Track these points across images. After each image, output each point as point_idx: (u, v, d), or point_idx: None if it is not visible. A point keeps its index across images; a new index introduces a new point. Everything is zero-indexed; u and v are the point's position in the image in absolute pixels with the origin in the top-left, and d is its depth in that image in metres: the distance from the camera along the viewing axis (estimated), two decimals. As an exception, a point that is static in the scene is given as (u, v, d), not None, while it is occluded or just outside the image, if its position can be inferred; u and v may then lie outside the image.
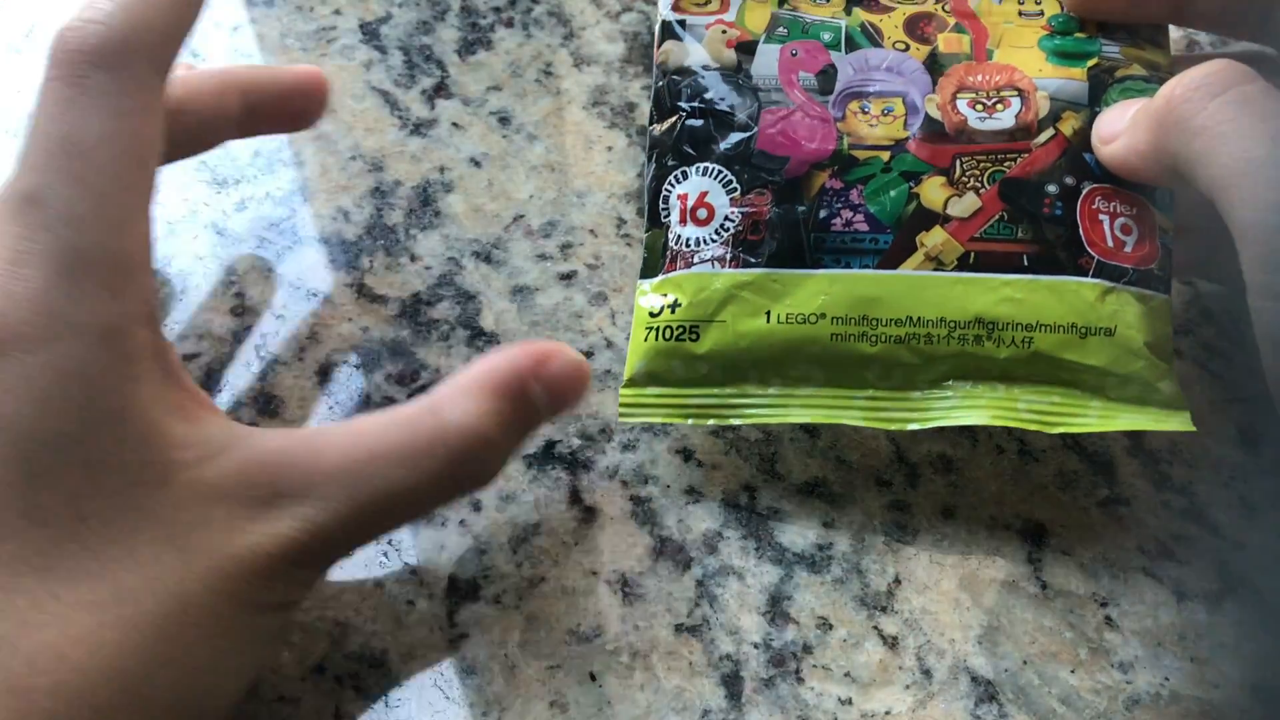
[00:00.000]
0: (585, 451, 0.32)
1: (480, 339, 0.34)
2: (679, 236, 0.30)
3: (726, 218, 0.30)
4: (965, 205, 0.29)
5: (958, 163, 0.30)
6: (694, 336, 0.29)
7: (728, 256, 0.30)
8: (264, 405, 0.33)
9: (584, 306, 0.34)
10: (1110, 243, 0.29)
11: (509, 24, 0.41)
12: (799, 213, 0.30)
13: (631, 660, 0.28)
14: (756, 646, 0.29)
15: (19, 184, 0.23)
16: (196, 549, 0.22)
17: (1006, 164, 0.30)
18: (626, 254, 0.35)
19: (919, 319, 0.29)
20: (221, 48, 0.41)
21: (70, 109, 0.23)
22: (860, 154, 0.30)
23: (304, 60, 0.40)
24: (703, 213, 0.30)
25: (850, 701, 0.28)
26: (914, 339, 0.29)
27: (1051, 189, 0.29)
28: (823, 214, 0.29)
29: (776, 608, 0.29)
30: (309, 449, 0.23)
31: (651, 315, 0.30)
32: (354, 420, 0.25)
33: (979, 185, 0.29)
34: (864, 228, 0.29)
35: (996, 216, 0.29)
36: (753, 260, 0.29)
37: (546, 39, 0.40)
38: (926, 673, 0.29)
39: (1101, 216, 0.29)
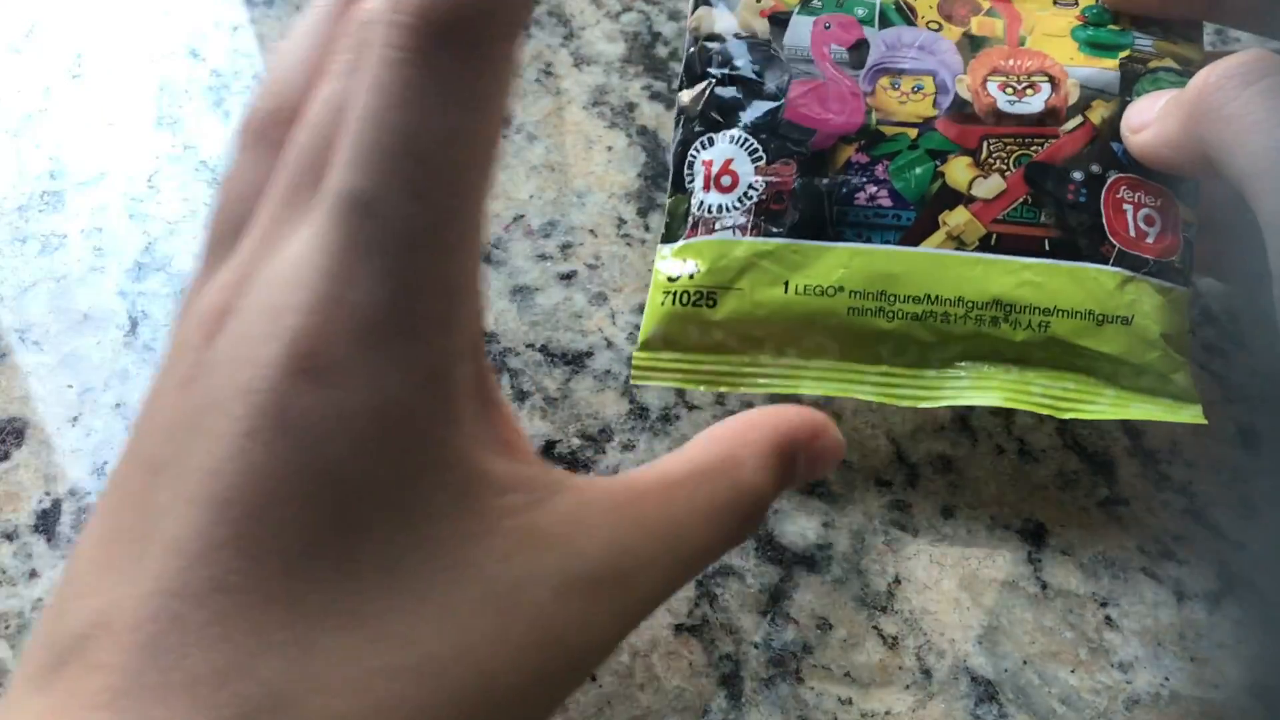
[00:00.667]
0: (585, 451, 0.32)
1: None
2: (702, 203, 0.30)
3: (750, 186, 0.30)
4: (990, 186, 0.29)
5: (985, 144, 0.30)
6: (711, 303, 0.29)
7: (749, 225, 0.29)
8: (264, 405, 0.33)
9: (584, 306, 0.34)
10: (1133, 232, 0.29)
11: (509, 24, 0.41)
12: (823, 185, 0.30)
13: (631, 660, 0.28)
14: (756, 646, 0.29)
15: (348, 181, 0.18)
16: (517, 617, 0.19)
17: (1034, 148, 0.30)
18: (626, 254, 0.35)
19: (937, 297, 0.29)
20: (221, 48, 0.41)
21: (416, 97, 0.18)
22: (888, 129, 0.30)
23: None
24: (727, 180, 0.30)
25: (850, 702, 0.28)
26: (931, 317, 0.29)
27: (1077, 175, 0.29)
28: (847, 188, 0.29)
29: (776, 607, 0.29)
30: (634, 504, 0.21)
31: (670, 280, 0.30)
32: (659, 469, 0.22)
33: (1005, 168, 0.29)
34: (887, 203, 0.29)
35: (1020, 200, 0.29)
36: (774, 230, 0.29)
37: (546, 39, 0.40)
38: (926, 673, 0.29)
39: (1125, 206, 0.29)
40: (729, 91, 0.31)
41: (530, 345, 0.34)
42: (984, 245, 0.29)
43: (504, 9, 0.19)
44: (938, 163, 0.30)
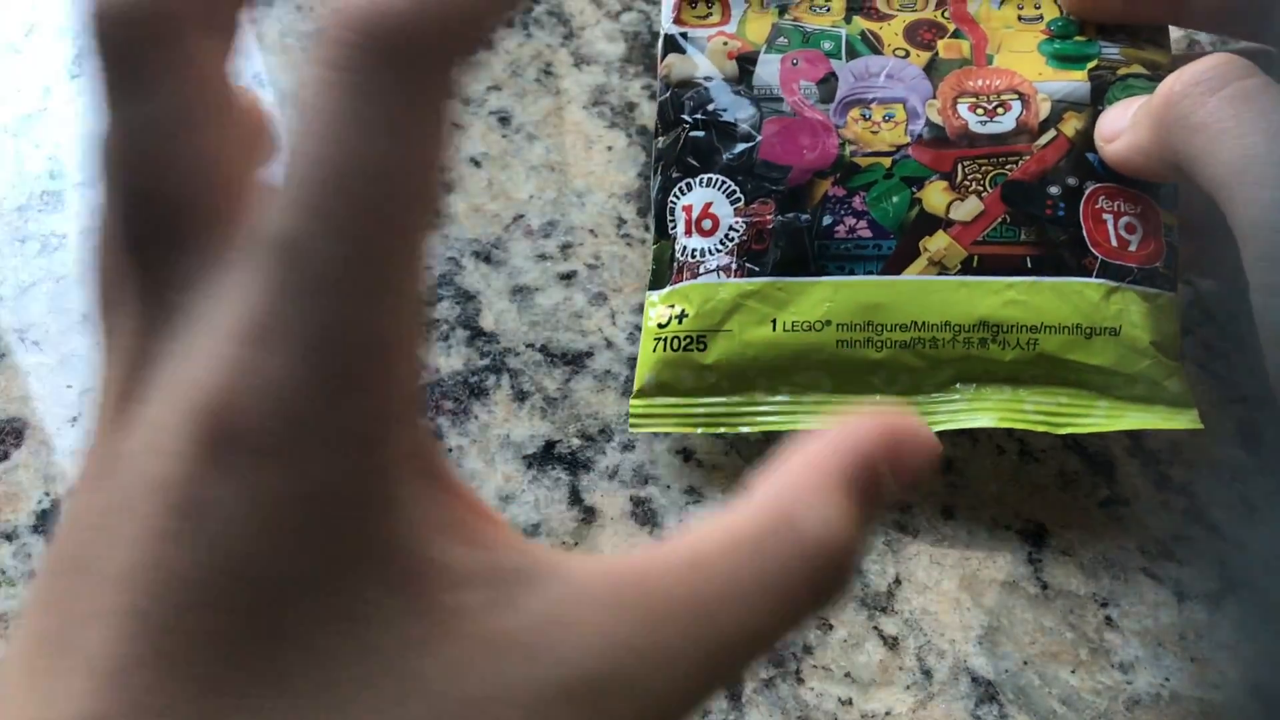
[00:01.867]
0: (585, 451, 0.32)
1: (480, 339, 0.34)
2: (685, 248, 0.30)
3: (731, 228, 0.30)
4: (967, 209, 0.29)
5: (959, 167, 0.30)
6: (701, 347, 0.30)
7: (733, 266, 0.30)
8: (264, 405, 0.33)
9: (584, 306, 0.34)
10: (1114, 242, 0.29)
11: (509, 24, 0.41)
12: (802, 221, 0.30)
13: (632, 660, 0.28)
14: (757, 647, 0.29)
15: (273, 219, 0.16)
16: None
17: (1008, 167, 0.30)
18: (626, 254, 0.35)
19: (923, 323, 0.29)
20: (221, 47, 0.41)
21: (349, 125, 0.16)
22: (862, 161, 0.30)
23: (303, 59, 0.40)
24: (707, 223, 0.30)
25: (850, 702, 0.28)
26: (919, 343, 0.29)
27: (1054, 190, 0.29)
28: (826, 221, 0.30)
29: (777, 608, 0.29)
30: (646, 586, 0.17)
31: (660, 327, 0.30)
32: (688, 544, 0.18)
33: (981, 189, 0.30)
34: (867, 234, 0.29)
35: (999, 219, 0.29)
36: (757, 269, 0.30)
37: (546, 39, 0.40)
38: (927, 673, 0.29)
39: (1105, 216, 0.29)
40: (703, 135, 0.31)
41: (530, 345, 0.34)
42: (966, 268, 0.29)
43: (458, 27, 0.16)
44: (914, 189, 0.30)
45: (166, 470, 0.15)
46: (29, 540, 0.31)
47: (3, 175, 0.38)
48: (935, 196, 0.30)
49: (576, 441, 0.32)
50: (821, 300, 0.29)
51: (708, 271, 0.30)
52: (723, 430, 0.30)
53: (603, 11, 0.41)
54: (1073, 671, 0.29)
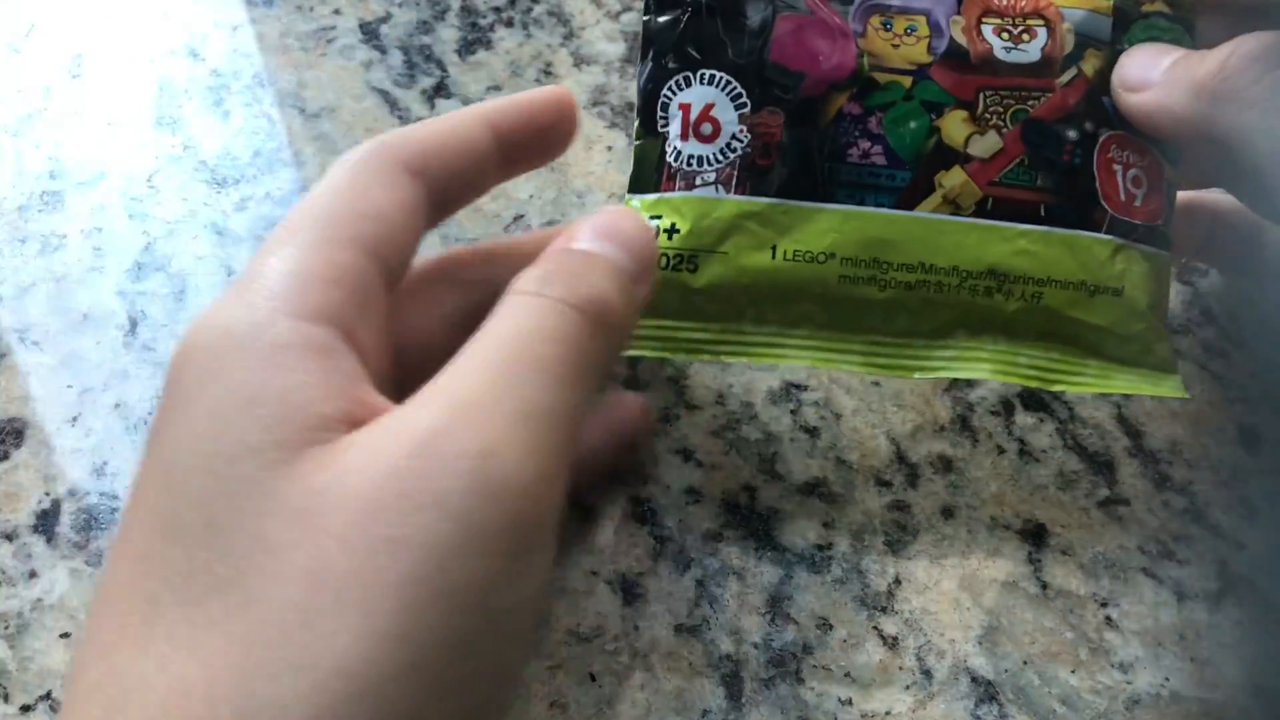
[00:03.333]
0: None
1: (480, 339, 0.34)
2: (679, 152, 0.28)
3: (734, 136, 0.27)
4: (987, 145, 0.28)
5: (981, 97, 0.28)
6: (692, 267, 0.27)
7: (734, 182, 0.27)
8: (264, 405, 0.33)
9: (584, 306, 0.34)
10: (1123, 195, 0.28)
11: (509, 24, 0.41)
12: (814, 139, 0.27)
13: (631, 660, 0.28)
14: (756, 647, 0.29)
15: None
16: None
17: (1030, 102, 0.28)
18: (626, 254, 0.35)
19: (932, 266, 0.27)
20: (221, 48, 0.41)
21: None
22: (881, 77, 0.28)
23: (303, 59, 0.40)
24: (707, 128, 0.28)
25: (850, 702, 0.28)
26: (925, 286, 0.27)
27: (1072, 135, 0.28)
28: (839, 142, 0.27)
29: (776, 608, 0.29)
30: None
31: None
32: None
33: (1001, 124, 0.28)
34: (882, 161, 0.27)
35: (1017, 160, 0.28)
36: (761, 188, 0.27)
37: (546, 39, 0.40)
38: (927, 673, 0.29)
39: (1115, 167, 0.28)
40: (707, 22, 0.28)
41: (530, 345, 0.34)
42: (980, 210, 0.27)
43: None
44: (933, 116, 0.28)
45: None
46: (29, 540, 0.31)
47: (3, 175, 0.38)
48: (955, 127, 0.28)
49: (576, 441, 0.32)
50: (828, 230, 0.27)
51: (705, 184, 0.27)
52: (705, 358, 0.28)
53: (603, 11, 0.41)
54: (1073, 671, 0.29)
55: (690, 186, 0.27)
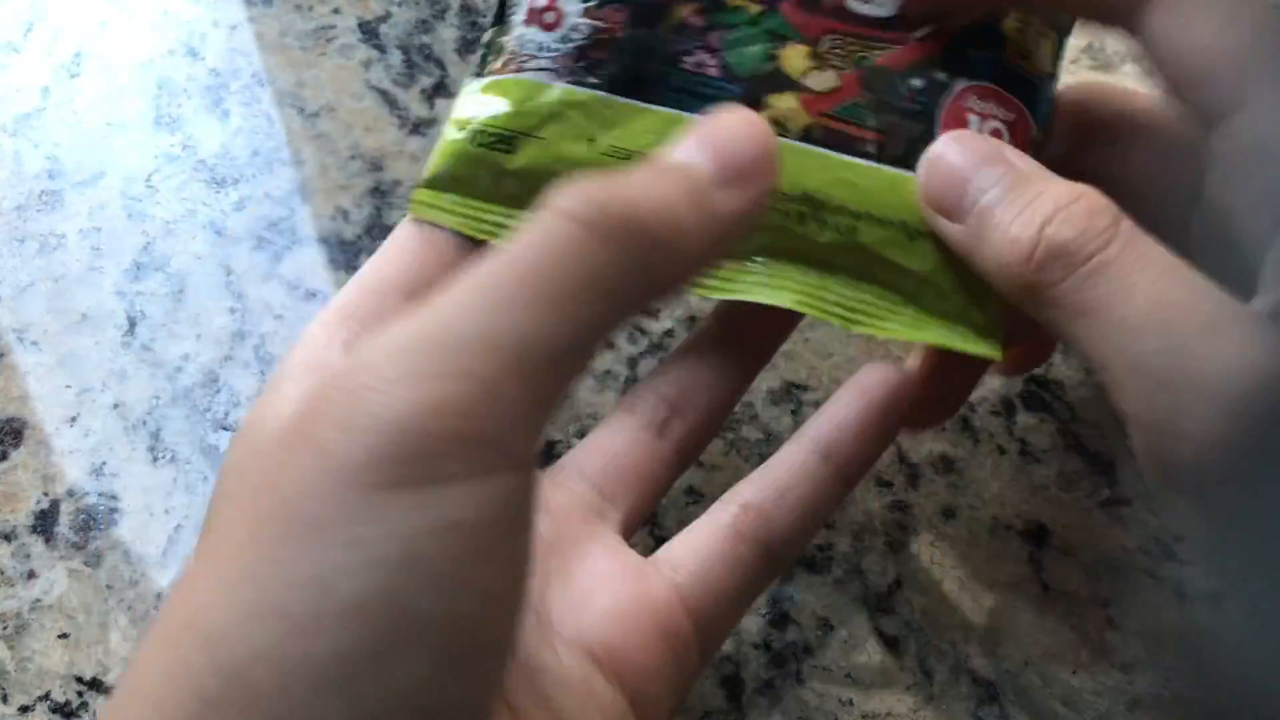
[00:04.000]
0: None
1: (480, 339, 0.34)
2: (521, 37, 0.27)
3: (574, 27, 0.27)
4: (823, 80, 0.27)
5: (826, 39, 0.27)
6: (508, 148, 0.27)
7: (567, 69, 0.27)
8: (263, 405, 0.33)
9: (584, 306, 0.34)
10: None
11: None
12: (651, 40, 0.27)
13: (632, 661, 0.28)
14: (757, 648, 0.29)
15: None
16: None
17: (876, 52, 0.27)
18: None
19: None
20: (220, 47, 0.40)
21: None
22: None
23: (302, 58, 0.40)
24: (551, 16, 0.27)
25: (851, 703, 0.28)
26: None
27: (917, 83, 0.27)
28: (676, 49, 0.27)
29: (777, 609, 0.29)
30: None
31: (469, 118, 0.27)
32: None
33: (842, 66, 0.27)
34: (715, 73, 0.27)
35: (852, 100, 0.27)
36: (591, 79, 0.27)
37: (546, 38, 0.40)
38: (928, 674, 0.29)
39: (970, 116, 0.26)
40: None
41: (530, 345, 0.34)
42: (806, 136, 0.26)
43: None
44: (774, 45, 0.27)
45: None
46: (27, 540, 0.30)
47: (1, 174, 0.38)
48: (795, 60, 0.27)
49: (577, 441, 0.32)
50: (648, 130, 0.26)
51: (538, 69, 0.27)
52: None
53: (603, 11, 0.41)
54: (1074, 672, 0.29)
55: (521, 70, 0.27)
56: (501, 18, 0.28)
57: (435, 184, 0.27)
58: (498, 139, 0.27)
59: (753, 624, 0.29)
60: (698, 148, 0.21)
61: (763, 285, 0.27)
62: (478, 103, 0.27)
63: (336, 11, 0.41)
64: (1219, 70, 0.21)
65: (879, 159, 0.26)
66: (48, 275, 0.35)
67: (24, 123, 0.39)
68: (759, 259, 0.27)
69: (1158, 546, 0.31)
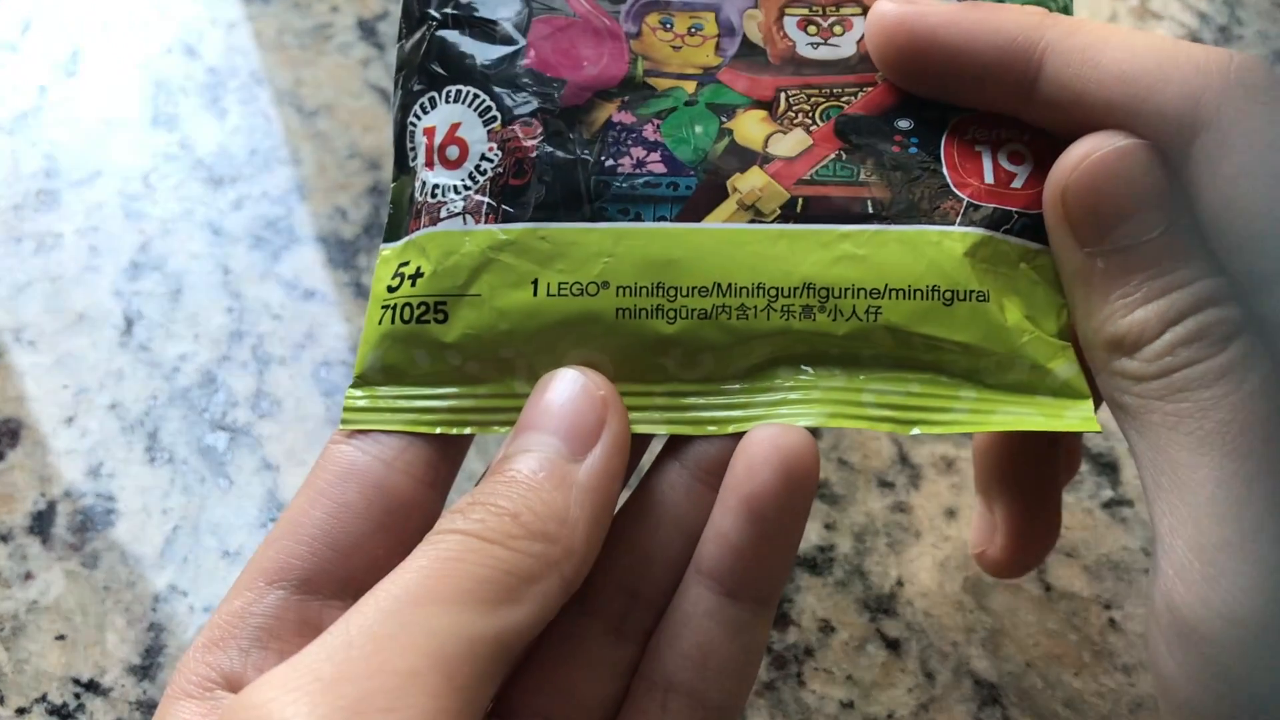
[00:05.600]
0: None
1: (479, 339, 0.34)
2: (424, 183, 0.23)
3: (483, 156, 0.23)
4: (791, 143, 0.23)
5: (782, 96, 0.23)
6: (441, 317, 0.22)
7: (484, 208, 0.23)
8: (261, 406, 0.33)
9: (583, 306, 0.34)
10: (991, 178, 0.23)
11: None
12: (577, 150, 0.23)
13: (632, 663, 0.28)
14: (758, 649, 0.29)
15: None
16: None
17: (845, 99, 0.23)
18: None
19: (730, 286, 0.22)
20: (218, 45, 0.40)
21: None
22: (658, 83, 0.23)
23: (300, 57, 0.40)
24: (454, 151, 0.23)
25: (852, 705, 0.28)
26: (724, 312, 0.22)
27: (903, 124, 0.23)
28: (608, 152, 0.23)
29: (778, 610, 0.29)
30: None
31: (389, 291, 0.23)
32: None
33: (809, 122, 0.23)
34: (660, 169, 0.23)
35: (832, 156, 0.23)
36: (513, 211, 0.22)
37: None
38: (929, 676, 0.28)
39: (979, 147, 0.23)
40: (454, 36, 0.24)
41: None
42: (789, 214, 0.22)
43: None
44: (724, 118, 0.23)
45: None
46: (24, 541, 0.30)
47: (-2, 174, 0.37)
48: (751, 127, 0.23)
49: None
50: (598, 255, 0.22)
51: (451, 215, 0.23)
52: (470, 430, 0.22)
53: (602, 9, 0.41)
54: (1076, 674, 0.28)
55: (435, 221, 0.23)
56: (403, 165, 0.24)
57: (366, 380, 0.23)
58: (425, 309, 0.23)
59: (753, 625, 0.29)
60: (543, 431, 0.21)
61: (783, 403, 0.22)
62: (394, 271, 0.23)
63: (335, 10, 0.41)
64: (1270, 234, 0.19)
65: (883, 219, 0.22)
66: (44, 275, 0.35)
67: (21, 121, 0.39)
68: (774, 371, 0.23)
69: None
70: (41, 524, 0.31)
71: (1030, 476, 0.26)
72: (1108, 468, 0.32)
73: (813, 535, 0.30)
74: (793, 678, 0.28)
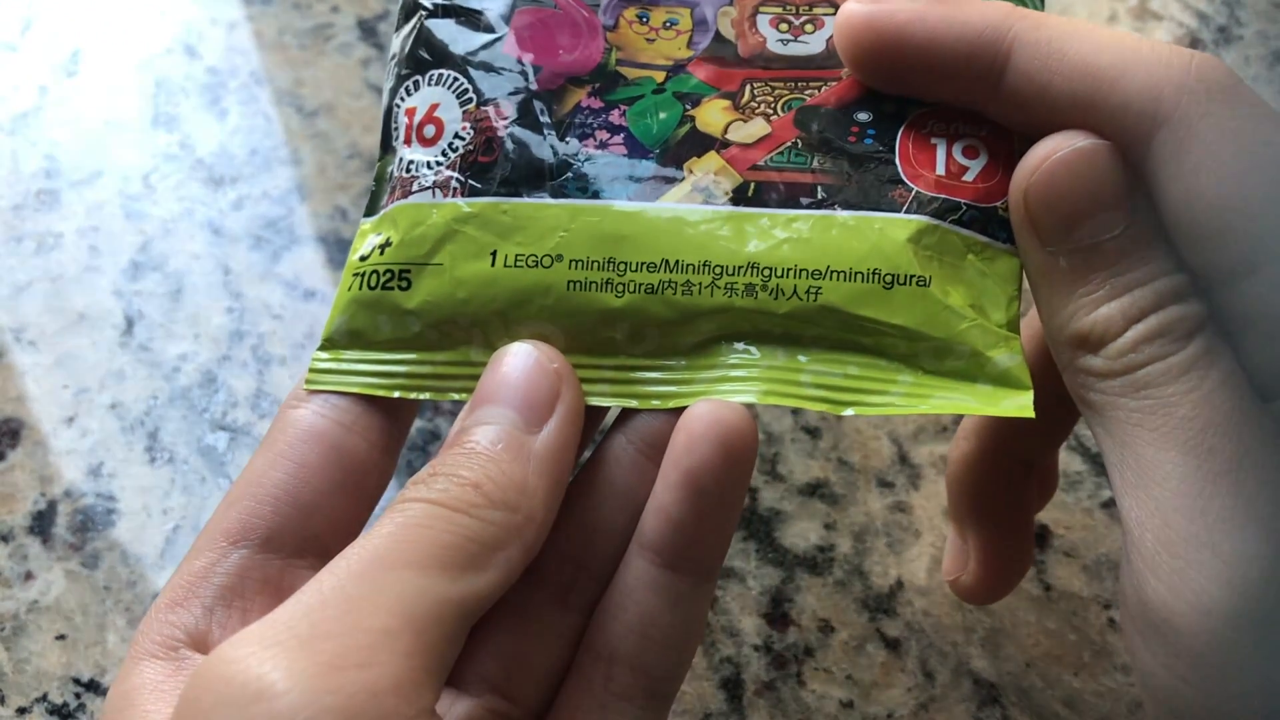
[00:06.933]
0: (585, 452, 0.32)
1: (479, 339, 0.34)
2: (402, 160, 0.25)
3: (456, 135, 0.24)
4: (750, 131, 0.24)
5: (748, 87, 0.24)
6: (404, 284, 0.24)
7: (453, 183, 0.24)
8: (261, 406, 0.33)
9: (583, 306, 0.34)
10: (943, 169, 0.23)
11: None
12: (544, 131, 0.24)
13: (632, 663, 0.28)
14: (757, 649, 0.29)
15: None
16: None
17: (808, 92, 0.24)
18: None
19: (676, 263, 0.23)
20: (218, 45, 0.40)
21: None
22: (629, 72, 0.25)
23: (300, 57, 0.40)
24: (430, 130, 0.25)
25: (852, 705, 0.28)
26: (669, 287, 0.23)
27: (862, 116, 0.24)
28: (574, 133, 0.24)
29: (778, 610, 0.29)
30: None
31: (361, 259, 0.24)
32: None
33: (771, 112, 0.24)
34: (622, 151, 0.24)
35: (788, 144, 0.24)
36: (479, 186, 0.24)
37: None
38: (929, 675, 0.28)
39: (935, 140, 0.23)
40: (442, 24, 0.25)
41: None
42: (739, 197, 0.23)
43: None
44: (687, 106, 0.24)
45: None
46: (24, 541, 0.30)
47: (-2, 174, 0.38)
48: (712, 114, 0.24)
49: (576, 442, 0.32)
50: (554, 229, 0.23)
51: (422, 189, 0.24)
52: (427, 395, 0.23)
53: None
54: (1076, 674, 0.29)
55: (407, 194, 0.24)
56: (387, 144, 0.26)
57: (334, 342, 0.24)
58: (391, 276, 0.24)
59: (753, 625, 0.29)
60: (487, 405, 0.21)
61: (724, 380, 0.23)
62: (367, 242, 0.24)
63: (335, 10, 0.41)
64: (1230, 228, 0.19)
65: (831, 204, 0.23)
66: (45, 275, 0.35)
67: (21, 122, 0.39)
68: (716, 348, 0.23)
69: (1160, 547, 0.31)
70: (42, 524, 0.31)
71: (1002, 505, 0.27)
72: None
73: (813, 535, 0.30)
74: (792, 677, 0.28)
